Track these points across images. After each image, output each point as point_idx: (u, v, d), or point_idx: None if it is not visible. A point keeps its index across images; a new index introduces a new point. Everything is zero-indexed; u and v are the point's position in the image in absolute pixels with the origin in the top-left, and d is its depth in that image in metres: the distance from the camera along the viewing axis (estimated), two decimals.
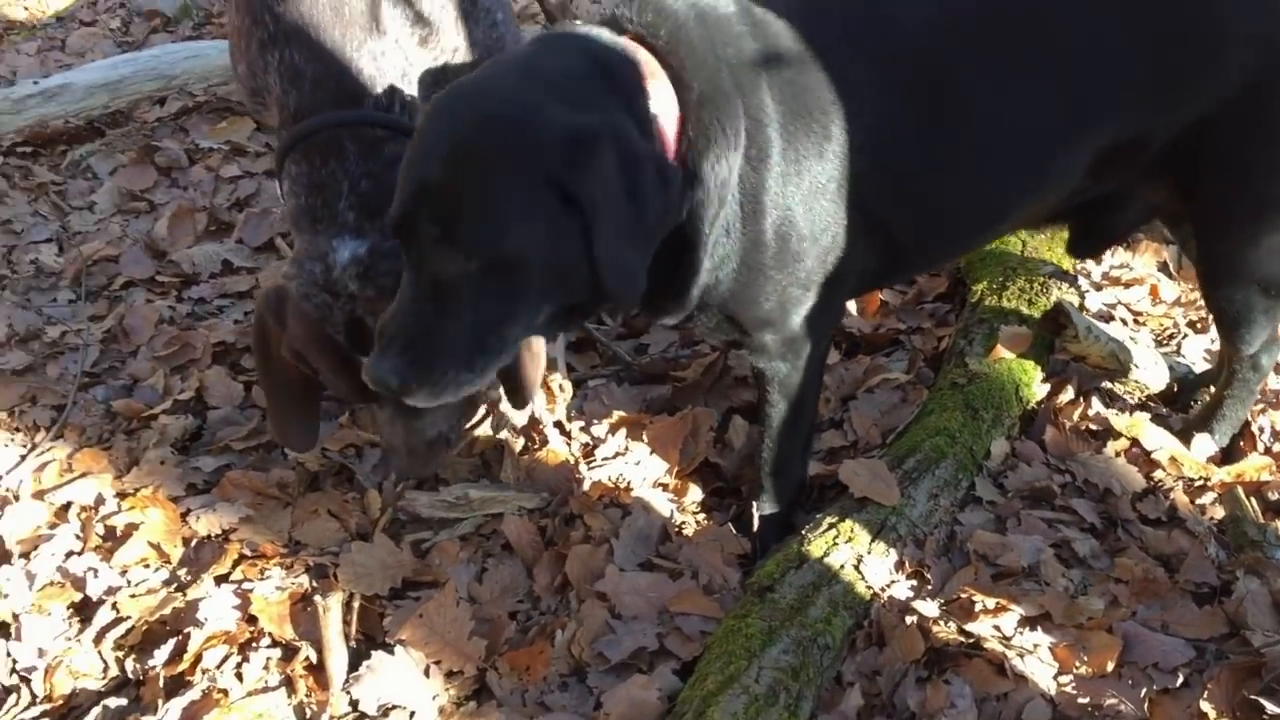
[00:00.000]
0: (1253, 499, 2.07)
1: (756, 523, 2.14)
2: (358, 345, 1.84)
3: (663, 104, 1.62)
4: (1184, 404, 2.42)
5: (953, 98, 1.84)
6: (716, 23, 1.71)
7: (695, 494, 2.25)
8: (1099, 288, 2.79)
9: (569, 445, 2.37)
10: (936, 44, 1.83)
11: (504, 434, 2.37)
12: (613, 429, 2.39)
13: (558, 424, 2.41)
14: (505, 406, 2.39)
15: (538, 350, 2.06)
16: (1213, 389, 2.31)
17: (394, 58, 1.98)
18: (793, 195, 1.76)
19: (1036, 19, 1.85)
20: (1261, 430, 2.32)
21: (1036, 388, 2.37)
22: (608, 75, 1.59)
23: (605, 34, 1.67)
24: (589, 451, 2.36)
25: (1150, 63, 1.84)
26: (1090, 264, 2.89)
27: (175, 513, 2.22)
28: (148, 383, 2.61)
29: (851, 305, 2.72)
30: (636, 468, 2.30)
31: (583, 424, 2.42)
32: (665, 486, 2.27)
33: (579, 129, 1.47)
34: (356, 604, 2.00)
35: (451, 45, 2.12)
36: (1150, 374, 2.41)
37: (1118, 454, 2.23)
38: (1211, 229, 2.04)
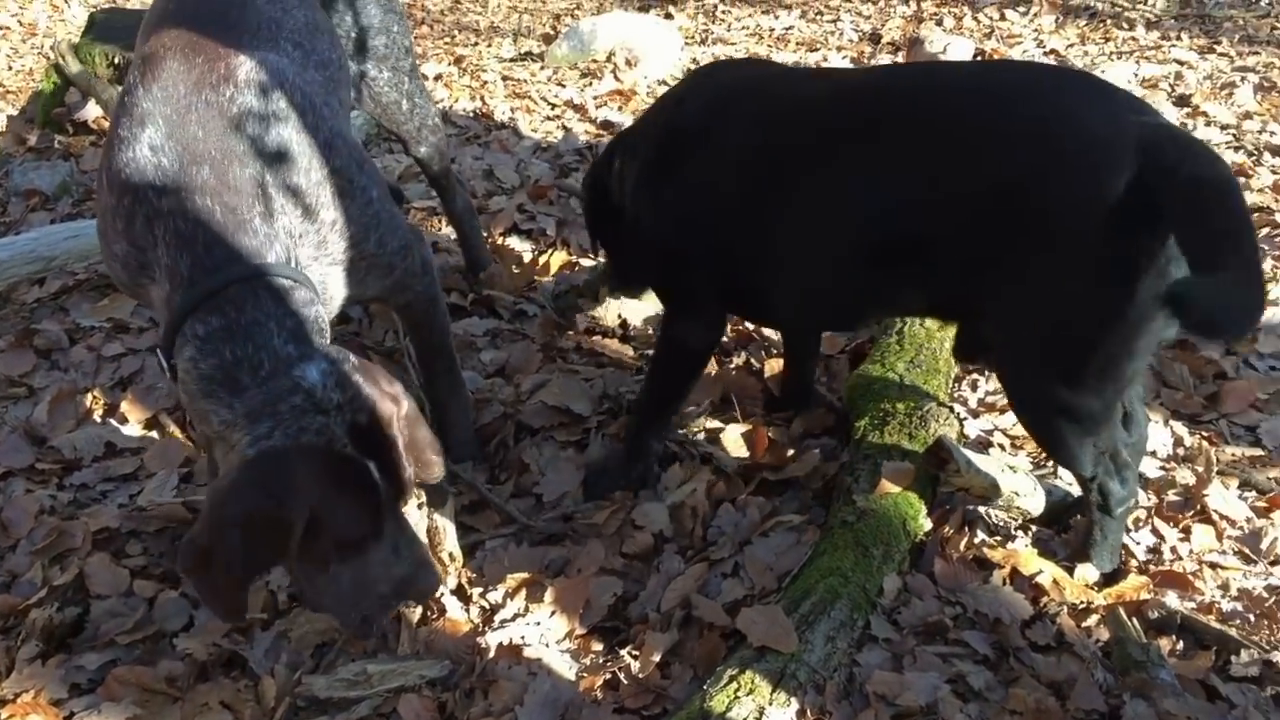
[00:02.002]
0: (1134, 619, 2.14)
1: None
2: (366, 448, 1.83)
3: None
4: (1064, 526, 2.50)
5: (792, 185, 2.20)
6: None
7: (598, 653, 2.24)
8: (975, 415, 2.90)
9: (467, 611, 2.35)
10: (796, 134, 2.22)
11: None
12: (511, 592, 2.38)
13: (456, 591, 2.39)
14: None
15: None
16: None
17: (282, 220, 2.02)
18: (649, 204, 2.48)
19: (865, 133, 2.11)
20: (1138, 544, 2.41)
21: (924, 520, 2.43)
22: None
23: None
24: (488, 616, 2.34)
25: (941, 179, 2.00)
26: (967, 390, 3.01)
27: (59, 718, 2.13)
28: (26, 577, 2.52)
29: (742, 448, 2.79)
30: (537, 629, 2.29)
31: (481, 589, 2.40)
32: (567, 648, 2.26)
33: None
34: None
35: (330, 219, 2.17)
36: (1030, 500, 2.49)
37: (1004, 581, 2.30)
38: (1003, 353, 2.13)
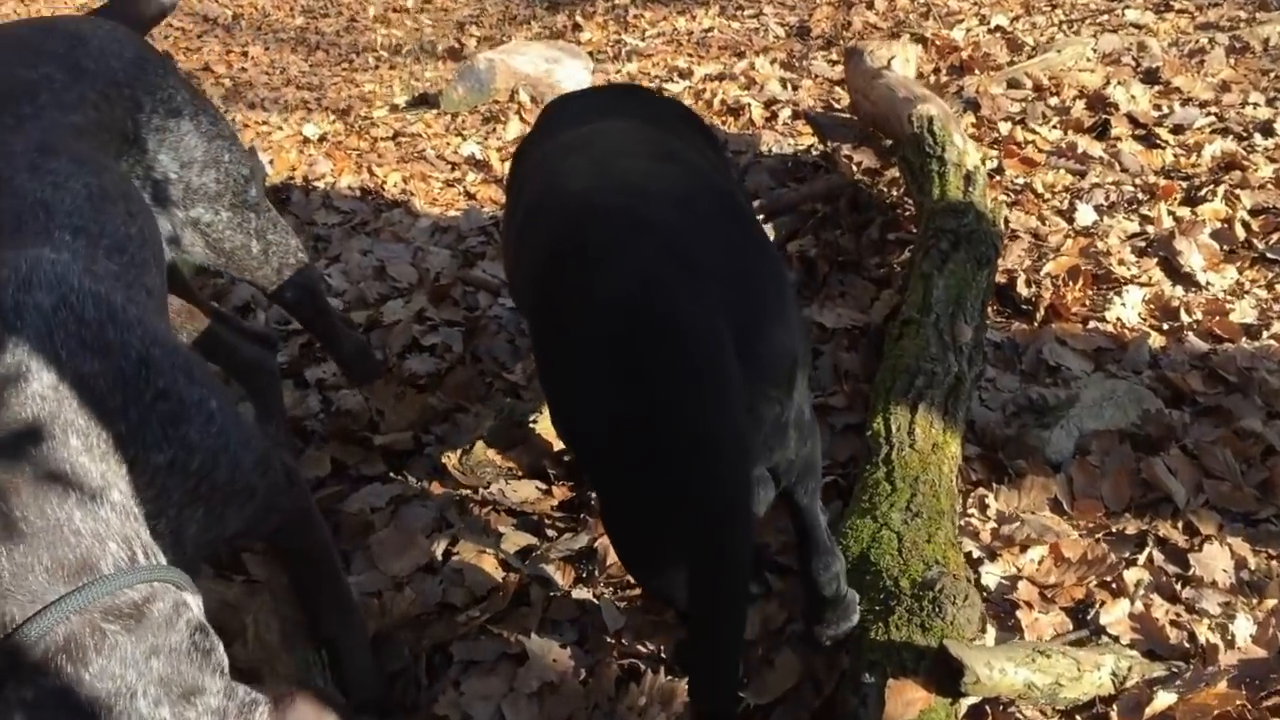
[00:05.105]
0: None
1: None
2: None
3: None
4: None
5: None
6: None
7: None
8: (993, 556, 2.36)
9: None
10: None
11: None
12: None
13: None
14: None
15: None
16: None
17: (111, 495, 1.45)
18: None
19: None
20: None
21: None
22: None
23: None
24: None
25: None
26: (976, 520, 2.47)
27: None
28: None
29: None
30: None
31: None
32: None
33: None
34: None
35: (165, 461, 1.59)
36: (1078, 686, 1.97)
37: None
38: None
